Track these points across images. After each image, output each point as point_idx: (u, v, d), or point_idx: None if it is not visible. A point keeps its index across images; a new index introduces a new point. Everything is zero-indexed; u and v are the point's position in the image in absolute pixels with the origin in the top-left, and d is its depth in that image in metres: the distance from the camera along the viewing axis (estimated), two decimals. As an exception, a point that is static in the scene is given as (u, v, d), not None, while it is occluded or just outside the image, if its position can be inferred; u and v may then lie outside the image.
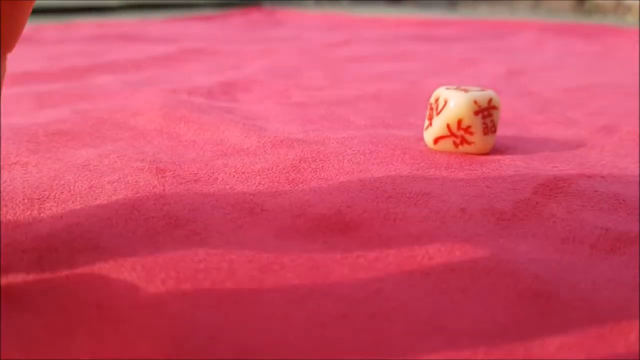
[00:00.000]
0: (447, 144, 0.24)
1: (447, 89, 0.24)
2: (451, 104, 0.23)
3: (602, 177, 0.21)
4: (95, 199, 0.19)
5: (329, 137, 0.25)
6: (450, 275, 0.14)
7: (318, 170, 0.21)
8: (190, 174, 0.21)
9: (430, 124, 0.24)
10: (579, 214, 0.18)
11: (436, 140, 0.24)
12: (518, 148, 0.25)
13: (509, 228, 0.17)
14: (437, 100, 0.24)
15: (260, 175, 0.21)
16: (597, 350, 0.12)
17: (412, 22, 0.88)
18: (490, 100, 0.23)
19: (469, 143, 0.24)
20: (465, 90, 0.24)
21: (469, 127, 0.23)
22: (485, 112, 0.23)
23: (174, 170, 0.21)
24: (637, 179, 0.21)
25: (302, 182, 0.20)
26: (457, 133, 0.24)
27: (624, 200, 0.19)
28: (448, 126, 0.24)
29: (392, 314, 0.13)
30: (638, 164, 0.23)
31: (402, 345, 0.12)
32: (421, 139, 0.26)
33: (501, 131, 0.28)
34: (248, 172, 0.21)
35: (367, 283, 0.14)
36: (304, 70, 0.47)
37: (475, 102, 0.23)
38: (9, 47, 0.14)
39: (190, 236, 0.16)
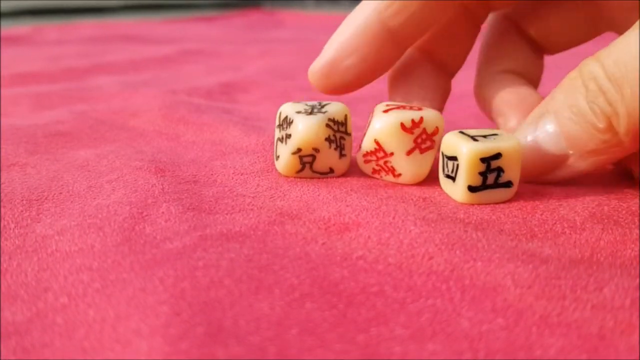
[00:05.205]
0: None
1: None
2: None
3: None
4: (94, 199, 0.19)
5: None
6: (451, 274, 0.14)
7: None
8: (189, 174, 0.21)
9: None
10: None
11: None
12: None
13: (509, 229, 0.17)
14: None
15: (259, 176, 0.21)
16: (598, 351, 0.12)
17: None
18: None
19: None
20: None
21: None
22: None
23: (173, 171, 0.21)
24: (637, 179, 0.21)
25: (300, 178, 0.20)
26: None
27: (621, 198, 0.19)
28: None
29: (393, 315, 0.13)
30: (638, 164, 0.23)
31: (403, 346, 0.12)
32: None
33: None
34: (247, 173, 0.21)
35: (367, 284, 0.14)
36: (304, 71, 0.47)
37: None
38: None
39: (189, 233, 0.16)
